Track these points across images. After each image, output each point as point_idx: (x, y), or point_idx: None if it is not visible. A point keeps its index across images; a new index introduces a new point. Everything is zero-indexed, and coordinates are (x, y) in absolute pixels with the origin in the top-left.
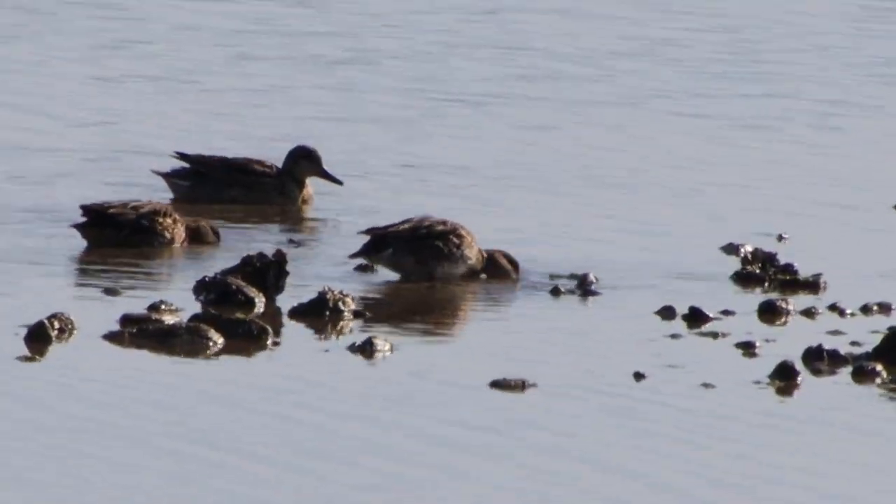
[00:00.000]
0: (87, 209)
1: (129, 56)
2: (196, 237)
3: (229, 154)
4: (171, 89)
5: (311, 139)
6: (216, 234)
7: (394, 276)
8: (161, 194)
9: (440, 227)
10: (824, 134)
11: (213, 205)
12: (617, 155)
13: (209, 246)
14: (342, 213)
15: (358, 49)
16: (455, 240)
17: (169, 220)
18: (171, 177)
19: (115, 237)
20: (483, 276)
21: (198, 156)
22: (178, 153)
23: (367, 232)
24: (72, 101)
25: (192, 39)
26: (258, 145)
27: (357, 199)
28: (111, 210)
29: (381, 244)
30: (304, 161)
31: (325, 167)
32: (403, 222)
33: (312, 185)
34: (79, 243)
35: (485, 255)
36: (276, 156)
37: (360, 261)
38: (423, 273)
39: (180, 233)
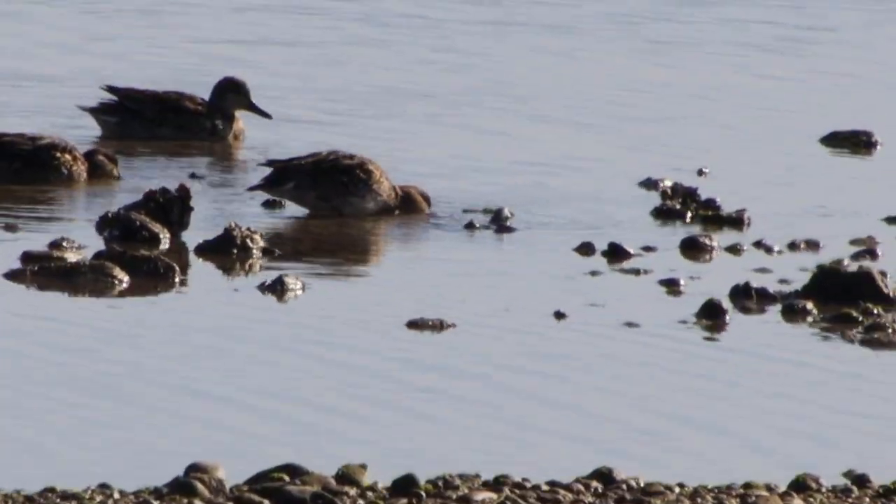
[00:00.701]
0: None
1: None
2: (94, 170)
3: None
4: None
5: (221, 64)
6: (113, 160)
7: (303, 211)
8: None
9: (346, 161)
10: (758, 62)
11: (142, 141)
12: (535, 80)
13: (108, 178)
14: (271, 146)
15: None
16: (362, 174)
17: (68, 156)
18: (98, 112)
19: (7, 169)
20: (396, 212)
21: (128, 89)
22: (108, 86)
23: (269, 164)
24: None
25: None
26: (164, 71)
27: (287, 131)
28: (5, 139)
29: (283, 177)
30: (231, 95)
31: (254, 100)
32: (309, 155)
33: (243, 118)
34: None
35: (399, 191)
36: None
37: (262, 195)
38: (327, 208)
39: (81, 171)
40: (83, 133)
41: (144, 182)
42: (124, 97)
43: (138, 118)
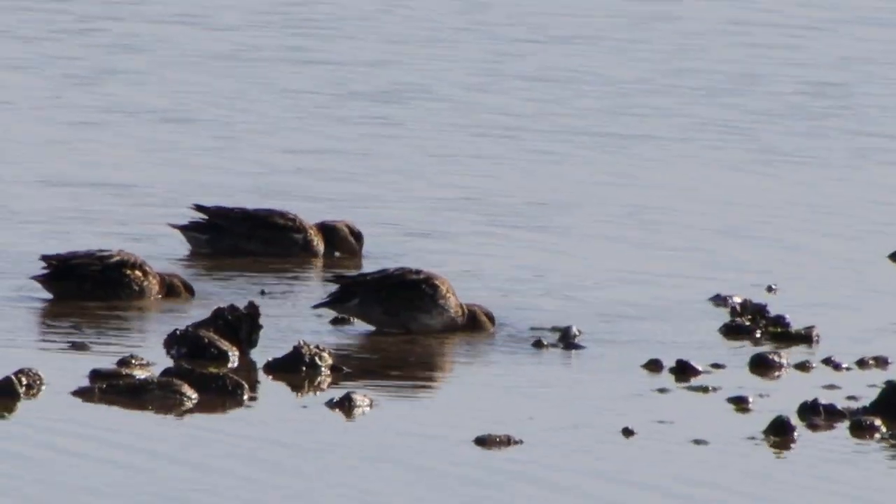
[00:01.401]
0: (48, 260)
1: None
2: (169, 292)
3: (249, 205)
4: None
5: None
6: (189, 290)
7: (371, 328)
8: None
9: (411, 277)
10: (830, 176)
11: (232, 258)
12: (609, 192)
13: (182, 300)
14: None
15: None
16: (428, 290)
17: (138, 272)
18: (188, 230)
19: (78, 289)
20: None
21: (217, 208)
22: (196, 206)
23: (334, 281)
24: (54, 139)
25: (183, 67)
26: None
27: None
28: (75, 261)
29: (348, 294)
30: (355, 240)
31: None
32: (376, 272)
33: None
34: (45, 295)
35: (465, 309)
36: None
37: (328, 312)
38: (394, 324)
39: (152, 286)
40: (168, 250)
41: (217, 299)
42: (214, 215)
43: (227, 234)
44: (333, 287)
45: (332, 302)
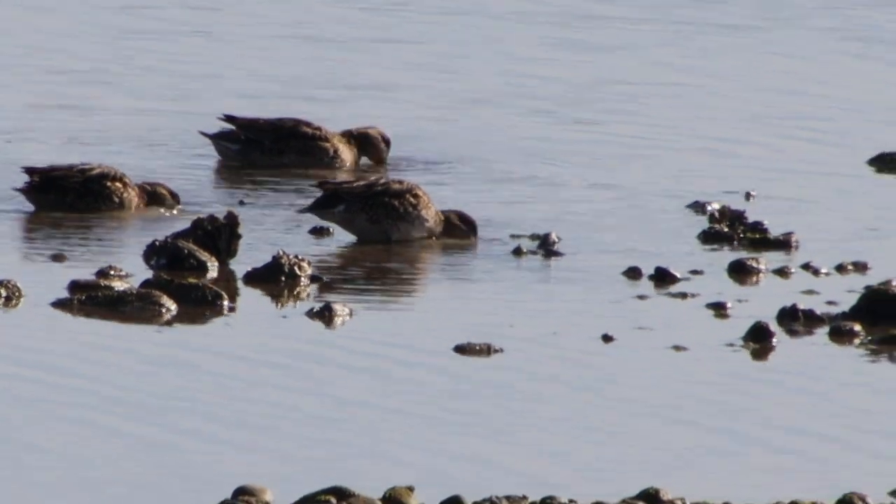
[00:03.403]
0: (30, 172)
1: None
2: (154, 201)
3: (273, 116)
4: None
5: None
6: (174, 196)
7: (350, 238)
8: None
9: (396, 186)
10: (804, 82)
11: (263, 169)
12: (588, 99)
13: (167, 209)
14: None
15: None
16: (411, 199)
17: (118, 184)
18: (219, 139)
19: (60, 202)
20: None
21: (246, 119)
22: (225, 116)
23: (320, 185)
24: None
25: None
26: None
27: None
28: (56, 173)
29: (333, 200)
30: (383, 146)
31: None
32: (360, 180)
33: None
34: (27, 206)
35: (442, 217)
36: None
37: (307, 222)
38: (376, 233)
39: (132, 197)
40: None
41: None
42: (242, 127)
43: (258, 145)
44: (318, 193)
45: (317, 207)
